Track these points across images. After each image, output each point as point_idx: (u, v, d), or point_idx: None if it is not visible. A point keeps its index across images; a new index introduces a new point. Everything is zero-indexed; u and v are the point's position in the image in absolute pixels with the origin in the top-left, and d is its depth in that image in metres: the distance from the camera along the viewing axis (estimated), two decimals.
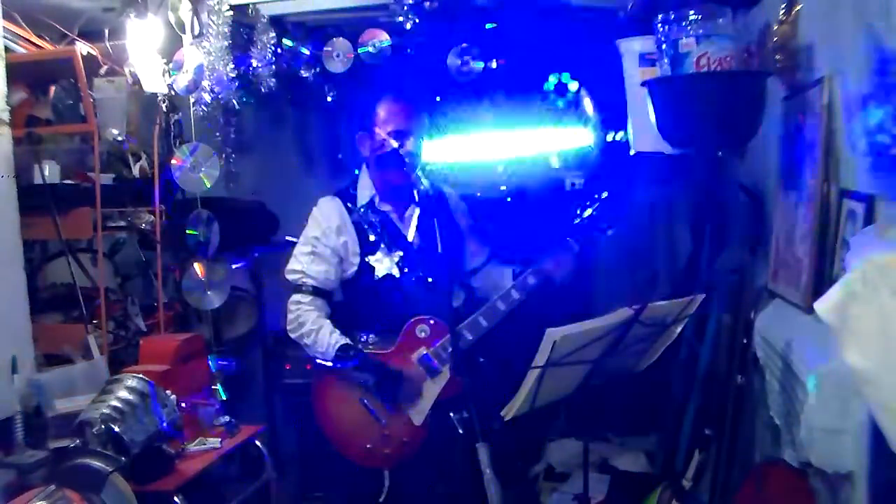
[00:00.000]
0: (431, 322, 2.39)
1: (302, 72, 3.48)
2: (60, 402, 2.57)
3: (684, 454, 2.93)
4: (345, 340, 2.36)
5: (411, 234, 2.45)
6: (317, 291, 2.42)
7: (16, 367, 2.49)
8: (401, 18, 3.10)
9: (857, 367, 1.24)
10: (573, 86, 4.06)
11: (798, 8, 2.13)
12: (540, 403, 2.07)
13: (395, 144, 2.36)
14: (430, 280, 2.42)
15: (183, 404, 2.63)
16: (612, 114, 3.97)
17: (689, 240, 3.88)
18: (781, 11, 2.18)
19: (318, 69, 3.50)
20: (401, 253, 2.43)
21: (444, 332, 2.36)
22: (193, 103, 3.17)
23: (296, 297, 2.43)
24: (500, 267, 2.60)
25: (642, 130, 2.73)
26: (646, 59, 2.69)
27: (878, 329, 1.21)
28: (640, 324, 2.04)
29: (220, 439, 2.71)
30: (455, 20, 3.43)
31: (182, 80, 3.09)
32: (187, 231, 3.23)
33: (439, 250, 2.28)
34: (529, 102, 4.04)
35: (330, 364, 2.36)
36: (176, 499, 2.36)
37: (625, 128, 3.29)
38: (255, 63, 3.24)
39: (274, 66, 3.30)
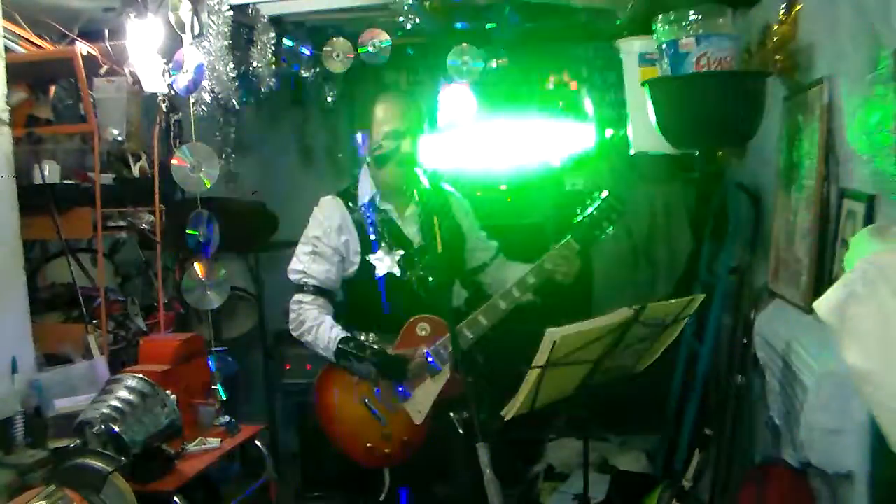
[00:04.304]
0: (432, 320, 2.39)
1: (302, 72, 3.48)
2: (60, 402, 2.57)
3: (684, 454, 2.94)
4: (345, 334, 2.36)
5: (412, 233, 2.46)
6: (319, 291, 2.42)
7: (16, 367, 2.49)
8: (401, 18, 3.10)
9: (857, 367, 1.24)
10: (573, 85, 4.07)
11: (798, 8, 2.13)
12: (540, 403, 2.07)
13: (392, 144, 2.36)
14: (430, 279, 2.42)
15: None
16: (612, 113, 3.98)
17: (689, 240, 3.89)
18: (781, 11, 2.18)
19: (318, 69, 3.50)
20: (402, 252, 2.42)
21: (445, 330, 2.35)
22: (193, 103, 3.17)
23: (298, 296, 2.44)
24: (510, 262, 2.60)
25: (642, 130, 2.73)
26: (646, 59, 2.69)
27: (878, 329, 1.21)
28: (640, 324, 2.05)
29: (220, 439, 2.71)
30: (455, 20, 3.43)
31: (182, 80, 3.09)
32: (187, 231, 3.23)
33: (439, 249, 2.28)
34: (529, 102, 4.04)
35: (333, 360, 2.36)
36: (176, 499, 2.36)
37: (625, 127, 3.30)
38: (255, 63, 3.24)
39: (274, 66, 3.30)
